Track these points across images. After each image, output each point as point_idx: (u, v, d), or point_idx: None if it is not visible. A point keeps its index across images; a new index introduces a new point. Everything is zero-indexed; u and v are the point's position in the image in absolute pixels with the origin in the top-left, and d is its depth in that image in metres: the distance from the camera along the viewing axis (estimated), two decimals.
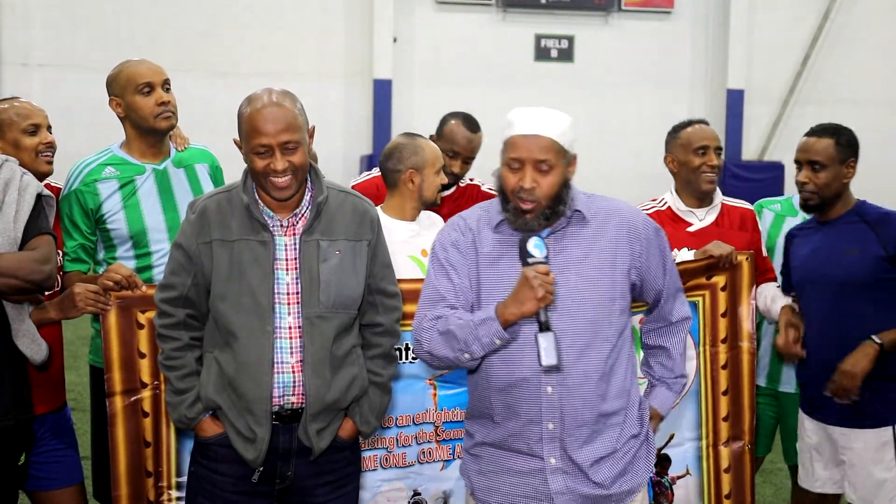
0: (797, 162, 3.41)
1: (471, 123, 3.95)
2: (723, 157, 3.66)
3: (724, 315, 3.35)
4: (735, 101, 15.14)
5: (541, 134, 2.49)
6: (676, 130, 3.70)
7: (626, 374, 2.61)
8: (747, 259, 3.35)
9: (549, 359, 2.37)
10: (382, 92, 14.50)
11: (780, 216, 3.87)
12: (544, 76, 14.92)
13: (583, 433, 2.53)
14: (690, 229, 3.59)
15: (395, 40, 14.49)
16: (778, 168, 14.54)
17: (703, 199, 3.64)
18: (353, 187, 3.68)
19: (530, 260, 2.40)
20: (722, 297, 3.35)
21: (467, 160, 3.95)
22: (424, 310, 2.58)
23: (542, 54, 15.11)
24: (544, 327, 2.38)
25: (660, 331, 2.76)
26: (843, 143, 3.36)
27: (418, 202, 3.54)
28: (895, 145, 14.51)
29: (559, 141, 2.50)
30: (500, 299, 2.45)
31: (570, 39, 15.13)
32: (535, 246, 2.41)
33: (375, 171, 3.91)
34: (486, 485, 2.63)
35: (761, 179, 14.31)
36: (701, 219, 3.63)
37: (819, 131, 3.41)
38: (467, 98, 14.51)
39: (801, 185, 3.38)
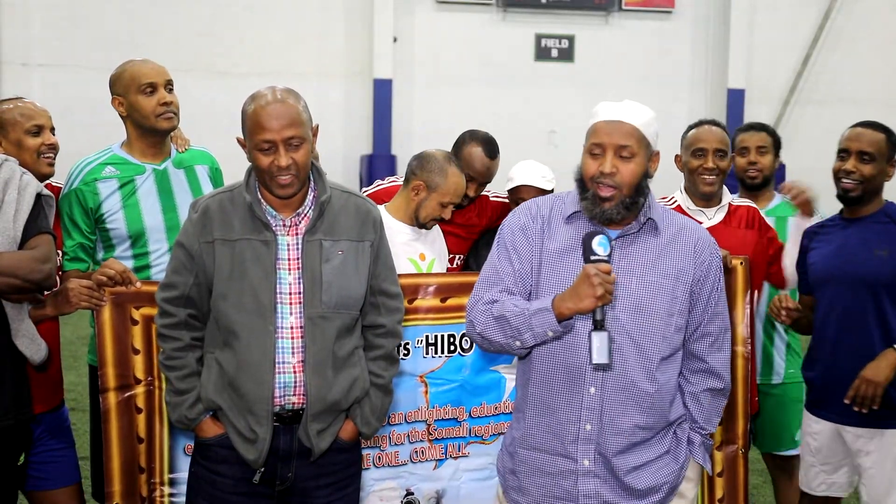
0: (844, 151, 3.33)
1: (490, 149, 3.82)
2: (727, 159, 3.63)
3: None
4: (735, 100, 15.13)
5: (624, 120, 2.49)
6: (687, 130, 3.72)
7: (672, 392, 2.58)
8: (741, 263, 3.34)
9: (600, 357, 2.35)
10: (382, 92, 14.49)
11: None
12: (544, 76, 14.92)
13: (620, 441, 2.51)
14: None
15: (395, 40, 14.48)
16: (779, 167, 14.53)
17: (708, 200, 3.64)
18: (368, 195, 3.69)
19: (593, 257, 2.38)
20: None
21: (483, 184, 3.88)
22: (481, 291, 2.56)
23: (542, 54, 15.10)
24: (599, 325, 2.37)
25: (689, 377, 2.65)
26: (893, 140, 3.33)
27: (413, 214, 3.52)
28: None
29: (642, 130, 2.50)
30: (560, 292, 2.43)
31: (571, 39, 15.12)
32: (599, 244, 2.38)
33: (387, 182, 3.90)
34: (517, 485, 2.61)
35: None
36: (710, 217, 3.63)
37: (871, 125, 3.36)
38: (467, 98, 14.56)
39: (845, 174, 3.30)
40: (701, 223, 3.57)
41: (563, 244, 2.53)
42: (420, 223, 3.54)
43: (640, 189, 2.50)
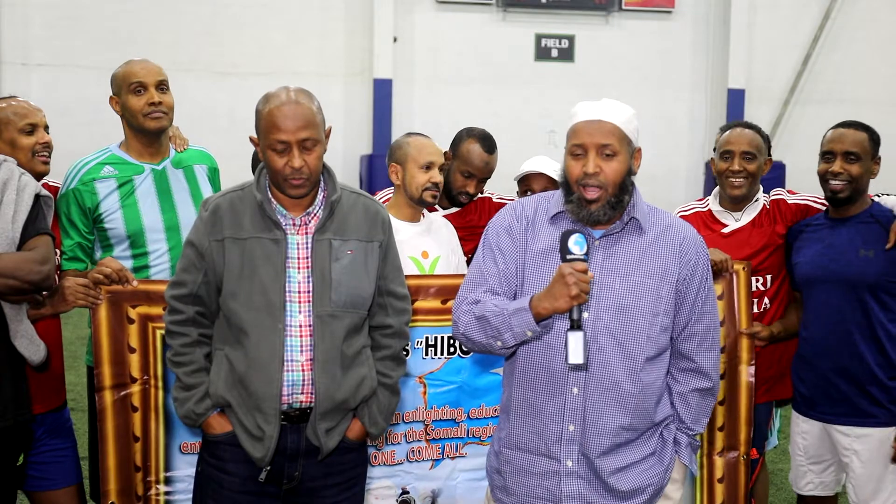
0: (829, 153, 3.33)
1: (488, 144, 3.87)
2: (758, 161, 3.54)
3: (721, 324, 3.33)
4: (736, 100, 15.12)
5: (604, 119, 2.48)
6: (721, 133, 3.66)
7: (658, 393, 2.57)
8: (744, 268, 3.33)
9: (575, 357, 2.34)
10: (382, 92, 14.49)
11: None
12: (544, 76, 14.91)
13: (603, 441, 2.50)
14: (725, 230, 3.57)
15: (395, 40, 14.48)
16: (779, 168, 14.52)
17: (737, 203, 3.58)
18: None
19: (569, 256, 2.37)
20: (719, 307, 3.33)
21: (483, 180, 3.90)
22: (466, 291, 2.58)
23: (542, 54, 15.09)
24: (576, 325, 2.36)
25: (677, 376, 2.63)
26: (875, 139, 3.34)
27: (408, 199, 3.51)
28: (895, 145, 14.50)
29: (622, 128, 2.49)
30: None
31: (571, 39, 15.11)
32: (575, 242, 2.37)
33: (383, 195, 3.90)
34: (503, 485, 2.62)
35: (762, 179, 14.29)
36: (737, 220, 3.59)
37: (852, 124, 3.36)
38: (467, 98, 14.54)
39: (833, 176, 3.30)
40: (727, 225, 3.57)
41: (547, 244, 2.53)
42: (419, 201, 3.51)
43: (624, 187, 2.49)
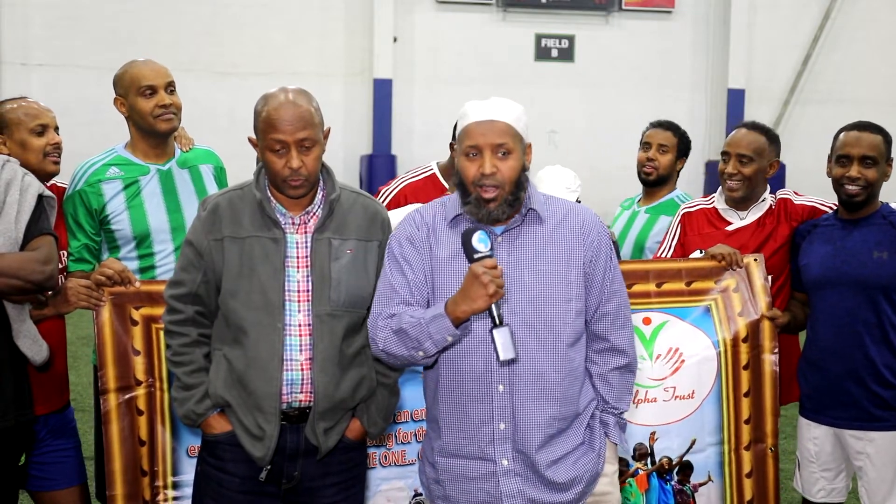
0: (846, 157, 3.26)
1: None
2: (757, 164, 3.51)
3: (741, 314, 3.33)
4: (735, 100, 15.13)
5: (496, 119, 2.48)
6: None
7: (581, 379, 2.58)
8: (755, 260, 3.33)
9: (506, 353, 2.35)
10: (382, 92, 14.49)
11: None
12: (544, 76, 14.92)
13: (536, 435, 2.50)
14: (729, 228, 3.57)
15: (395, 40, 14.48)
16: (779, 167, 14.54)
17: (736, 203, 3.58)
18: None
19: (476, 255, 2.38)
20: (736, 298, 3.34)
21: None
22: (379, 307, 2.55)
23: (542, 54, 15.10)
24: (499, 322, 2.36)
25: (595, 358, 2.63)
26: (889, 140, 3.30)
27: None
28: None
29: (514, 126, 2.49)
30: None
31: (571, 39, 15.12)
32: (479, 240, 2.39)
33: (402, 181, 3.87)
34: (443, 494, 2.61)
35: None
36: (742, 218, 3.58)
37: (867, 126, 3.30)
38: (467, 98, 14.43)
39: (850, 181, 3.23)
40: (731, 223, 3.57)
41: (452, 250, 2.52)
42: None
43: (520, 184, 2.50)
